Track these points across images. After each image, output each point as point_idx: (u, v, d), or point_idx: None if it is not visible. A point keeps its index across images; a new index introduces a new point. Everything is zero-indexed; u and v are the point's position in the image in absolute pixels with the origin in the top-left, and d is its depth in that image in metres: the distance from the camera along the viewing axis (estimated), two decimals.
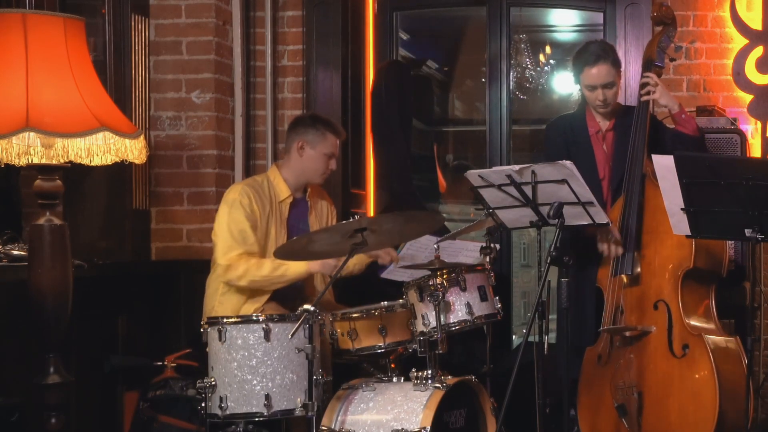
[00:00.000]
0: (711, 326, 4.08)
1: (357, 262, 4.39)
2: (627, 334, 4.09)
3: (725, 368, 3.91)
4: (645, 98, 4.23)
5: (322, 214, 4.47)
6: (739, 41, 5.28)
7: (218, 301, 4.23)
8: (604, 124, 4.36)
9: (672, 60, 4.51)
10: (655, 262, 4.10)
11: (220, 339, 3.73)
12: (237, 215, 4.14)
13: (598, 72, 4.22)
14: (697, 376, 3.92)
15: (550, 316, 3.78)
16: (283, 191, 4.32)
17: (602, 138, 4.36)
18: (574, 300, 4.14)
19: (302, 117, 4.51)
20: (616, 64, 4.26)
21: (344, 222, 3.83)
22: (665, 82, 5.07)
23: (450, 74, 7.98)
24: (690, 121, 4.23)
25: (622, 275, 4.14)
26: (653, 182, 4.04)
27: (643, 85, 4.26)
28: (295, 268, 4.11)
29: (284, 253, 3.88)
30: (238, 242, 4.13)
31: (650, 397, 4.01)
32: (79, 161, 3.44)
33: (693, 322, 4.02)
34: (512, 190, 3.84)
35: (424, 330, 3.91)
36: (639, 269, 4.12)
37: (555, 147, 4.40)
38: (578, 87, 4.38)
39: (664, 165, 3.59)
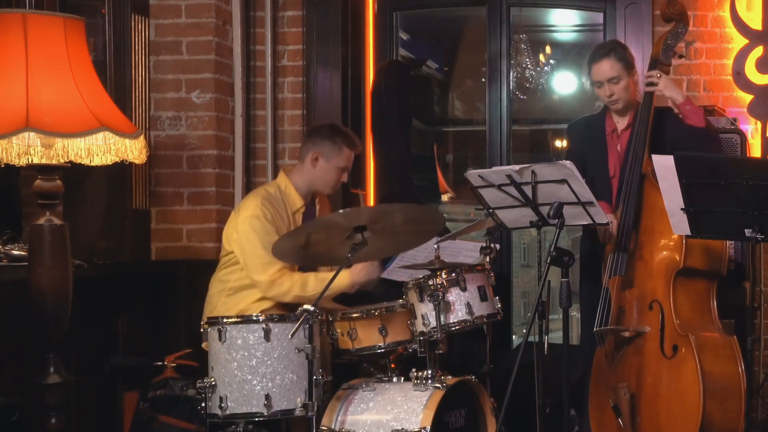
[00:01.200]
0: (707, 326, 4.05)
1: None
2: (625, 334, 4.09)
3: (713, 369, 3.89)
4: (648, 89, 4.25)
5: None
6: (739, 41, 5.28)
7: (222, 302, 4.22)
8: (621, 124, 4.39)
9: (681, 57, 4.51)
10: (651, 262, 4.09)
11: (220, 339, 3.73)
12: (266, 230, 4.08)
13: (602, 67, 4.27)
14: (683, 376, 3.91)
15: (551, 317, 3.78)
16: (297, 201, 4.27)
17: (617, 137, 4.38)
18: (592, 302, 4.17)
19: (321, 127, 4.41)
20: (622, 59, 4.29)
21: (341, 211, 3.82)
22: None
23: (450, 74, 7.98)
24: (697, 113, 4.22)
25: (618, 276, 4.14)
26: (652, 182, 4.04)
27: (647, 81, 4.28)
28: (339, 282, 3.96)
29: (283, 252, 3.87)
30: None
31: (644, 398, 4.00)
32: (79, 161, 3.44)
33: (684, 323, 4.00)
34: (512, 190, 3.84)
35: (424, 330, 3.91)
36: (635, 270, 4.12)
37: (573, 145, 4.53)
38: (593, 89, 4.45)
39: (664, 165, 3.59)
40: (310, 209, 4.38)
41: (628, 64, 4.31)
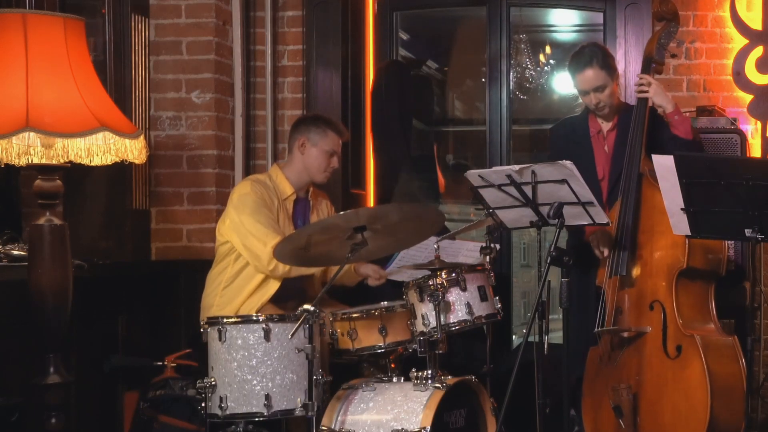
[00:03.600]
0: (708, 326, 4.06)
1: (347, 276, 4.38)
2: (624, 335, 4.08)
3: (718, 369, 3.89)
4: (639, 96, 4.25)
5: (323, 214, 4.47)
6: (739, 41, 5.28)
7: (219, 295, 4.24)
8: (606, 125, 4.39)
9: (673, 56, 4.50)
10: (651, 262, 4.09)
11: (220, 339, 3.73)
12: (258, 204, 4.15)
13: (587, 77, 4.26)
14: (689, 376, 3.91)
15: (551, 317, 3.78)
16: (287, 189, 4.32)
17: (603, 138, 4.38)
18: (580, 301, 4.16)
19: (305, 116, 4.57)
20: (605, 66, 4.27)
21: (342, 212, 3.83)
22: (665, 82, 5.07)
23: (450, 74, 7.97)
24: (684, 123, 4.22)
25: (617, 276, 4.13)
26: (650, 182, 4.04)
27: (638, 84, 4.28)
28: None
29: (283, 252, 3.87)
30: (274, 230, 4.12)
31: (646, 399, 4.00)
32: (79, 161, 3.43)
33: (687, 323, 4.00)
34: (512, 190, 3.85)
35: (424, 330, 3.91)
36: (633, 269, 4.11)
37: (557, 149, 4.44)
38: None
39: (664, 165, 3.59)
40: (304, 201, 4.40)
41: (612, 70, 4.30)
